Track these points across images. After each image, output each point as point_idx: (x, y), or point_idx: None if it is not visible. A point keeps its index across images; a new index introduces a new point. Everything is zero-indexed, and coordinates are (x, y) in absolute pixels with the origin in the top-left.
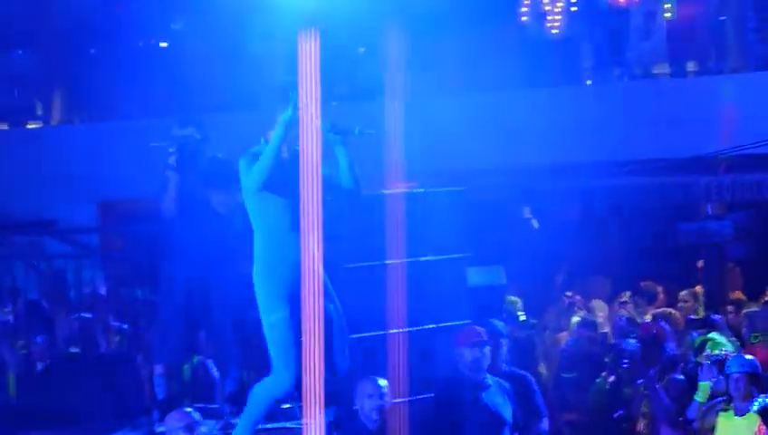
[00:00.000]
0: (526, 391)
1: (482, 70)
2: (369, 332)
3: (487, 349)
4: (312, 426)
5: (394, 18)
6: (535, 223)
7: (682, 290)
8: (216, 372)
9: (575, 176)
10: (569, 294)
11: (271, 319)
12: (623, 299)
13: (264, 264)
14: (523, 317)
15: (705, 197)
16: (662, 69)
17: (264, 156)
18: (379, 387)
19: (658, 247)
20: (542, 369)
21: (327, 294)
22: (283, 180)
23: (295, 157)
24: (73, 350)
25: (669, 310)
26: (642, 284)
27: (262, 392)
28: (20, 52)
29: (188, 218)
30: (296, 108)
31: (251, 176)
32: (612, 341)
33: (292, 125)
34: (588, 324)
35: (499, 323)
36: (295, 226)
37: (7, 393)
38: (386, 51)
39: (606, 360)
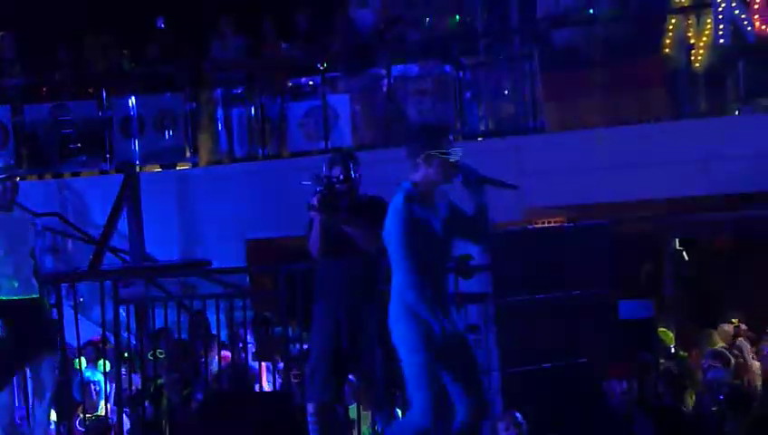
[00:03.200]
0: (675, 423)
1: (624, 102)
2: (521, 365)
3: (636, 382)
4: None
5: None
6: (685, 255)
7: None
8: None
9: (724, 207)
10: (734, 321)
11: (412, 359)
12: None
13: (406, 305)
14: (673, 349)
15: None
16: None
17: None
18: (517, 419)
19: None
20: (690, 400)
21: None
22: (432, 227)
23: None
24: (226, 390)
25: None
26: None
27: (400, 430)
28: (169, 94)
29: (338, 257)
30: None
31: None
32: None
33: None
34: (722, 355)
35: (648, 356)
36: (440, 267)
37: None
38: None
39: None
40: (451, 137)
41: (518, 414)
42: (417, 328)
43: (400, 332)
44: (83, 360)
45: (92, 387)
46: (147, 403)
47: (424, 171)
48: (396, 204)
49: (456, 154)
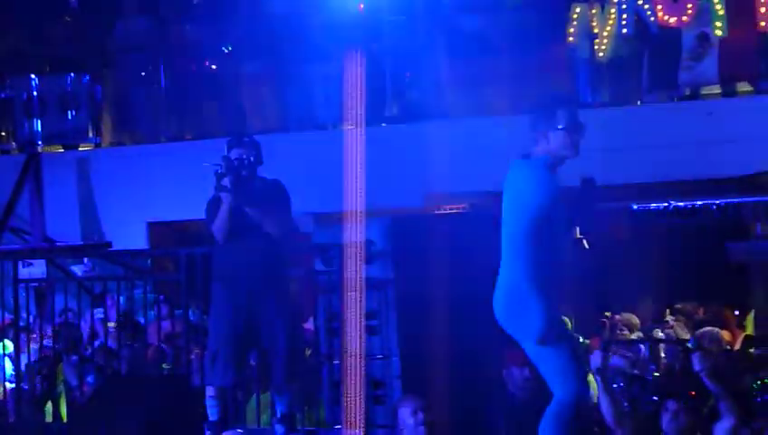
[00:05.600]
0: None
1: (529, 91)
2: (420, 351)
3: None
4: None
5: (439, 40)
6: (585, 244)
7: (734, 310)
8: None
9: (624, 196)
10: (608, 314)
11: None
12: (666, 319)
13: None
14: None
15: (755, 216)
16: (712, 90)
17: None
18: (419, 403)
19: (708, 268)
20: (591, 387)
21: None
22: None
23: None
24: (125, 372)
25: (715, 329)
26: (680, 305)
27: (547, 426)
28: (72, 75)
29: (239, 240)
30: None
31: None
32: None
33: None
34: (632, 345)
35: None
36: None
37: (59, 417)
38: (430, 73)
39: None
40: (576, 110)
41: (419, 400)
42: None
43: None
44: None
45: None
46: (38, 383)
47: (543, 146)
48: (539, 175)
49: (581, 129)
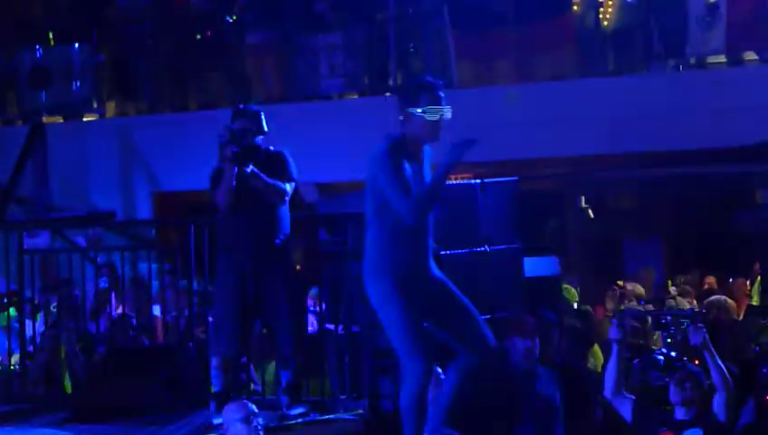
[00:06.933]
0: (576, 381)
1: (534, 60)
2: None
3: (538, 339)
4: None
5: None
6: (591, 213)
7: (738, 278)
8: None
9: (631, 165)
10: (620, 283)
11: (390, 316)
12: (671, 288)
13: (380, 261)
14: (579, 307)
15: (761, 185)
16: (718, 59)
17: (423, 197)
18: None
19: (714, 237)
20: (596, 358)
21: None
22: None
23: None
24: (129, 342)
25: (723, 298)
26: (684, 276)
27: (406, 399)
28: (75, 45)
29: (243, 211)
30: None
31: (405, 204)
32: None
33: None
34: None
35: (551, 314)
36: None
37: (62, 387)
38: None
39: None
40: (439, 94)
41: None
42: (389, 284)
43: (374, 289)
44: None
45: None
46: (42, 354)
47: (406, 128)
48: (380, 152)
49: (441, 113)
